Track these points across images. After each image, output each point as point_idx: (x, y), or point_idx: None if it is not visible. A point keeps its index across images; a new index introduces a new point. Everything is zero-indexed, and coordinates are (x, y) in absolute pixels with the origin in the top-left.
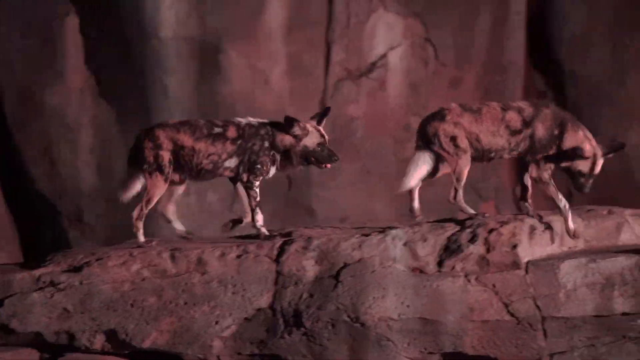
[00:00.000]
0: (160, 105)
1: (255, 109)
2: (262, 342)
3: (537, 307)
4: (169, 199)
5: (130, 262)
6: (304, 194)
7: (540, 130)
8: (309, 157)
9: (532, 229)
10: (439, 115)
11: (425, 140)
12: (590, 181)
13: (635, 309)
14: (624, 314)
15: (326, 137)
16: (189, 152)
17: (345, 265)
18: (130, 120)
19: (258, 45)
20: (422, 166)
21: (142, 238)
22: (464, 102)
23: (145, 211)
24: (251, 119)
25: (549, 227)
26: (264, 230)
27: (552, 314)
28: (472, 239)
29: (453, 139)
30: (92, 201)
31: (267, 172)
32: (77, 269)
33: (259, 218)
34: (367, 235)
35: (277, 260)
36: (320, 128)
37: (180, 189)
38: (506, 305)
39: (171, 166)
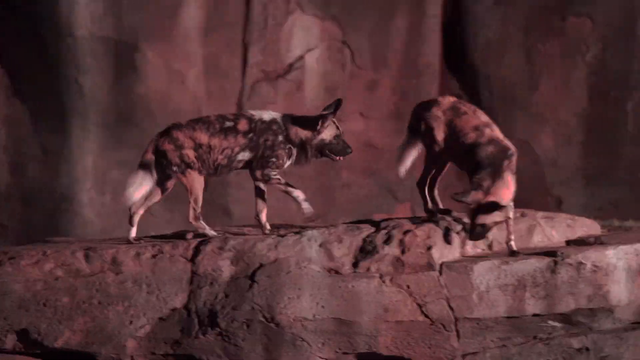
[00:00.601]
0: (75, 105)
1: (171, 110)
2: (177, 342)
3: (451, 308)
4: (141, 203)
5: (44, 262)
6: (221, 195)
7: (477, 159)
8: (324, 150)
9: (447, 231)
10: (428, 105)
11: (414, 124)
12: (474, 231)
13: (545, 310)
14: (535, 315)
15: (341, 129)
16: (206, 150)
17: (261, 266)
18: (45, 119)
19: (174, 45)
20: (407, 153)
21: (211, 232)
22: (412, 101)
23: (199, 209)
24: (264, 114)
25: (463, 229)
26: (307, 206)
27: (465, 315)
28: (388, 241)
29: (430, 130)
30: (5, 201)
31: (283, 165)
32: None
33: (299, 193)
34: (283, 236)
35: (192, 261)
36: (335, 120)
37: (156, 198)
38: (420, 306)
39: (199, 162)
